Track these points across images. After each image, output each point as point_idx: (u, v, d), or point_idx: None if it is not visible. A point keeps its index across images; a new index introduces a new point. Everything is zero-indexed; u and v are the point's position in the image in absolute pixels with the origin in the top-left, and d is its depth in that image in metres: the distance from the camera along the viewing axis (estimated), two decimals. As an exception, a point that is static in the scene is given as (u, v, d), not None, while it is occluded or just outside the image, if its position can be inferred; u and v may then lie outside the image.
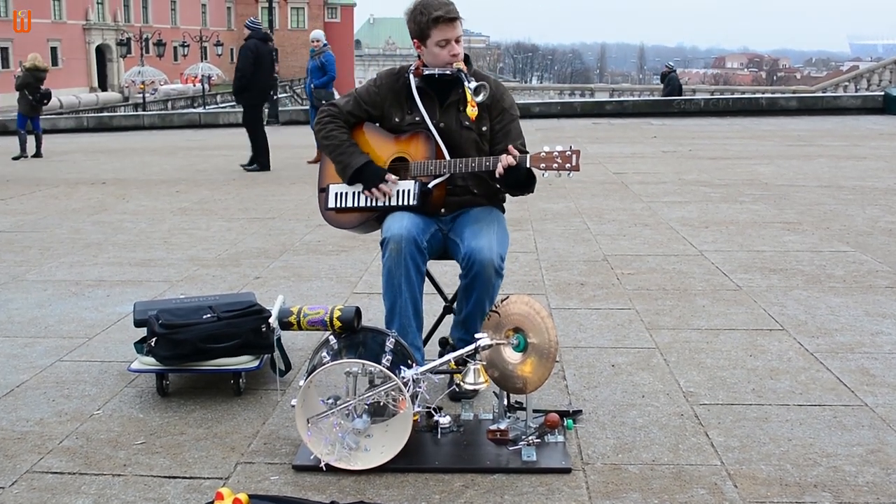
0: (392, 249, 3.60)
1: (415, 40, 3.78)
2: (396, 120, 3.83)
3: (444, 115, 3.78)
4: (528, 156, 3.55)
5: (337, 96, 12.91)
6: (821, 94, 27.78)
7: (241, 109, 13.48)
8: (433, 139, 3.75)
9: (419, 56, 3.81)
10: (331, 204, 3.88)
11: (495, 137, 3.81)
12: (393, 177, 3.75)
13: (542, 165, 3.54)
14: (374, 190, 3.75)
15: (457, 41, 3.71)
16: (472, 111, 3.63)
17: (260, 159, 12.66)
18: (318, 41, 13.81)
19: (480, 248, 3.58)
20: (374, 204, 3.79)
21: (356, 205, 3.83)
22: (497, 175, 3.58)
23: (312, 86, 13.76)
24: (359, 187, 3.80)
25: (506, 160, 3.54)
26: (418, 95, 3.79)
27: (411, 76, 3.82)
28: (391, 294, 3.66)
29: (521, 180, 3.66)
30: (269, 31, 13.13)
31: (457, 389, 3.58)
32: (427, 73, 3.76)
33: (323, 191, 3.92)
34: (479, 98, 3.60)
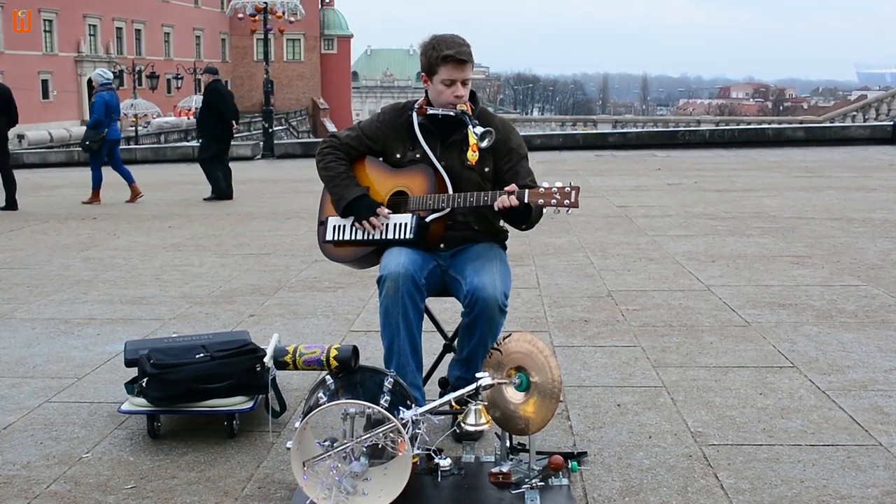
0: (389, 287, 3.54)
1: (423, 74, 3.78)
2: (398, 156, 3.81)
3: (445, 153, 3.75)
4: (527, 191, 3.49)
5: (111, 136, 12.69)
6: (828, 125, 27.78)
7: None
8: (434, 174, 3.71)
9: (426, 91, 3.80)
10: (328, 237, 3.86)
11: (504, 178, 3.76)
12: (385, 210, 3.72)
13: (541, 201, 3.47)
14: (364, 223, 3.71)
15: (463, 83, 3.69)
16: (472, 156, 3.61)
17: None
18: (97, 80, 13.20)
19: (484, 286, 3.52)
20: (370, 237, 3.74)
21: (353, 238, 3.80)
22: (496, 209, 3.53)
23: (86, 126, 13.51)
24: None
25: (503, 202, 3.49)
26: (421, 133, 3.76)
27: (414, 114, 3.79)
28: (389, 333, 3.60)
29: (520, 214, 3.59)
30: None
31: (458, 430, 3.49)
32: (431, 112, 3.74)
33: (322, 223, 3.90)
34: (484, 144, 3.58)
